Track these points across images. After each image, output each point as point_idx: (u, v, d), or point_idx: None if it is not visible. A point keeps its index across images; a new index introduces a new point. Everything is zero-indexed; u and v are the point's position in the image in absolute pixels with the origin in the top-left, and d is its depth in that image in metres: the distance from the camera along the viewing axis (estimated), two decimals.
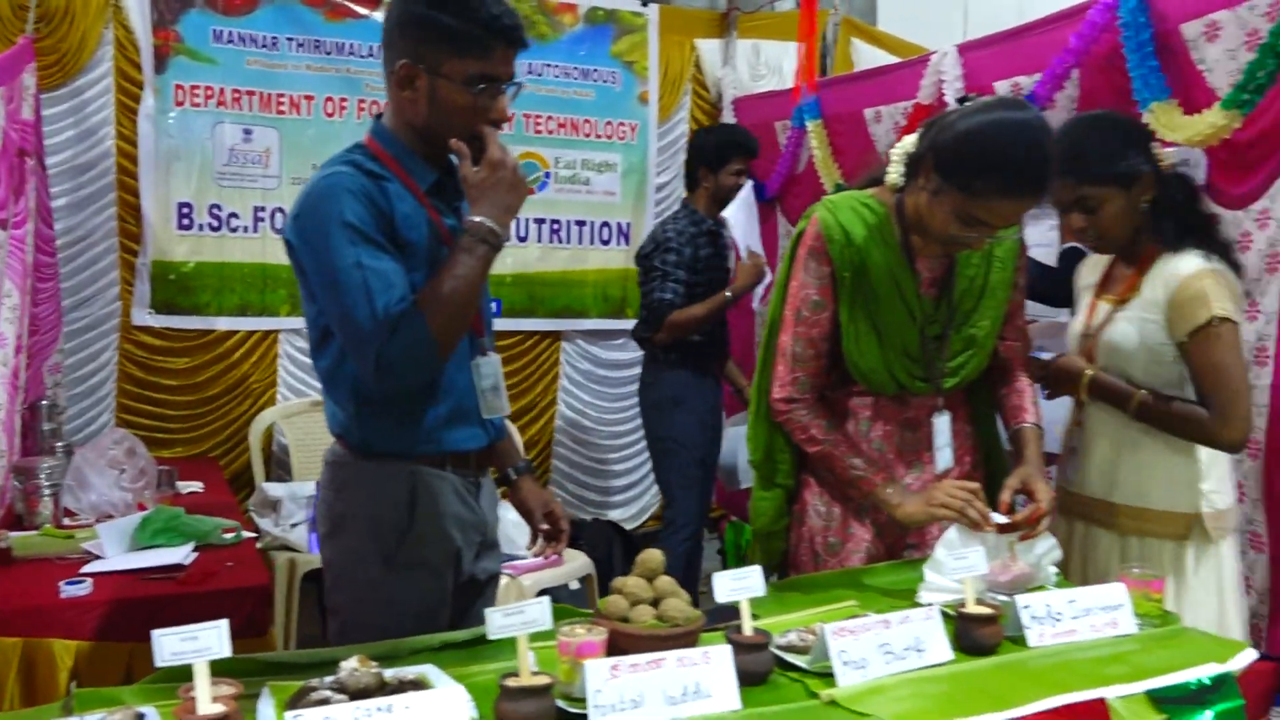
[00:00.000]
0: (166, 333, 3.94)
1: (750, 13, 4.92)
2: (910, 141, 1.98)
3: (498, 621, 1.37)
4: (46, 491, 2.65)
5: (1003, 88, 3.00)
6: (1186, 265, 2.02)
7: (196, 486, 3.23)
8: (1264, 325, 2.30)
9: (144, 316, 3.92)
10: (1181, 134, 2.34)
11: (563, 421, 4.59)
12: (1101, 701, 1.46)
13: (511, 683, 1.34)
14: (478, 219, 1.70)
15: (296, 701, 1.33)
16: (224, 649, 1.24)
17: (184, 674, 1.42)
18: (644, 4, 4.67)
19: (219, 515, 2.70)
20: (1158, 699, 1.50)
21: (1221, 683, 1.55)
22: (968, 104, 1.91)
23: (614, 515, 4.61)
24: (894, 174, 2.00)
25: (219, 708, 1.21)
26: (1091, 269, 2.29)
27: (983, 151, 1.81)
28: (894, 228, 2.01)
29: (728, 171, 3.66)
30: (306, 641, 3.25)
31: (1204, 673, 1.56)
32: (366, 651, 1.50)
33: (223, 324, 4.01)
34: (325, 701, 1.30)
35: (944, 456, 2.07)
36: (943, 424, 2.07)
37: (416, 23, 1.72)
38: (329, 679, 1.40)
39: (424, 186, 1.80)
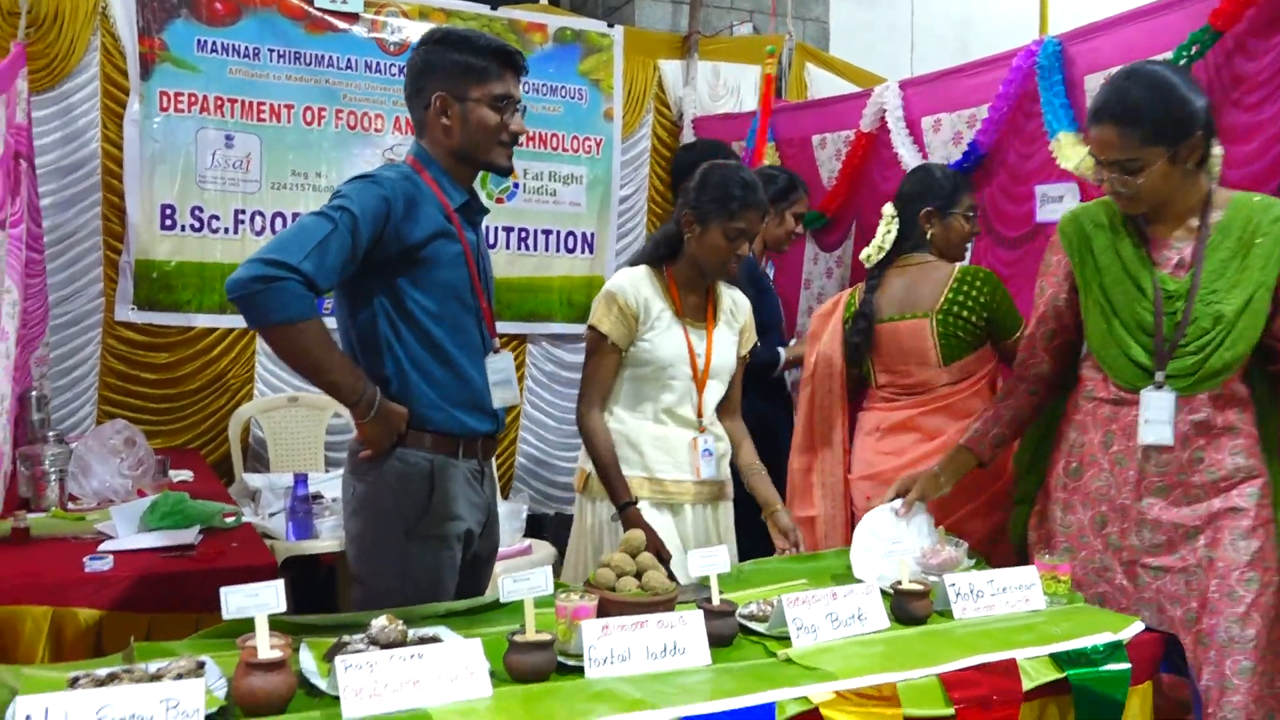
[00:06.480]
0: (148, 329, 4.09)
1: (710, 36, 5.19)
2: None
3: (509, 586, 1.60)
4: (53, 477, 2.82)
5: (932, 121, 3.33)
6: None
7: (187, 475, 3.40)
8: None
9: (127, 313, 4.07)
10: (1072, 162, 2.65)
11: (528, 420, 4.81)
12: (1013, 661, 1.74)
13: (519, 638, 1.57)
14: (367, 407, 1.96)
15: (334, 653, 1.55)
16: (281, 604, 1.45)
17: (226, 633, 1.66)
18: (610, 25, 4.91)
19: (214, 502, 2.88)
20: (1059, 660, 1.78)
21: (1113, 648, 1.84)
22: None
23: (575, 510, 4.83)
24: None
25: (277, 652, 1.42)
26: None
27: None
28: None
29: None
30: None
31: (1098, 640, 1.84)
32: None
33: (203, 321, 4.17)
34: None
35: (1149, 432, 2.07)
36: (1152, 398, 2.07)
37: (440, 64, 2.07)
38: (358, 635, 1.62)
39: (454, 205, 2.09)
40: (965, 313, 2.62)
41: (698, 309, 2.55)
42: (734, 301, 2.64)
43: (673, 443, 2.49)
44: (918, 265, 2.73)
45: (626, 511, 2.41)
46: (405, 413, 2.03)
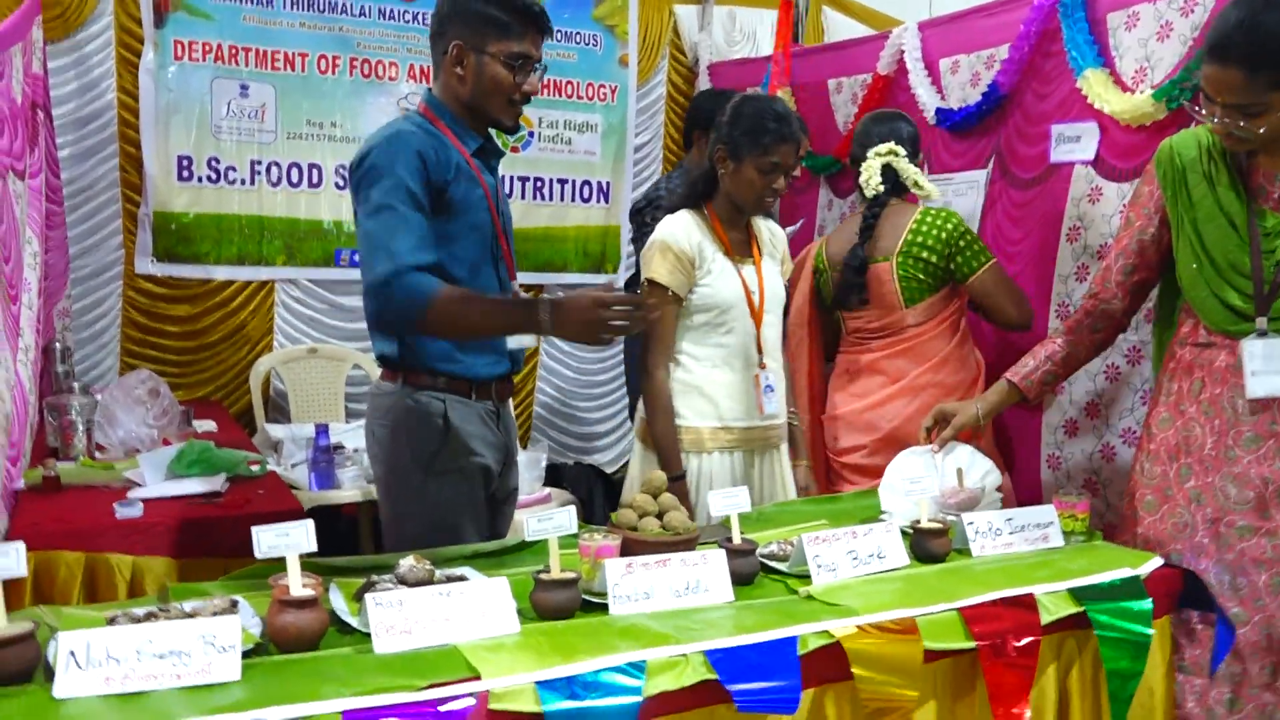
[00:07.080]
0: (168, 281, 4.11)
1: None
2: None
3: (534, 526, 1.63)
4: (80, 427, 2.86)
5: (950, 63, 3.29)
6: None
7: (210, 425, 3.44)
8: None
9: (146, 265, 4.08)
10: (1109, 105, 2.61)
11: (545, 370, 4.82)
12: (1030, 595, 1.76)
13: (545, 576, 1.60)
14: (548, 319, 1.87)
15: (363, 592, 1.58)
16: (311, 544, 1.48)
17: (257, 574, 1.69)
18: None
19: (239, 450, 2.91)
20: (1078, 595, 1.80)
21: (1131, 583, 1.86)
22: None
23: (593, 459, 4.87)
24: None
25: (309, 590, 1.45)
26: None
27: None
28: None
29: None
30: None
31: (1116, 575, 1.86)
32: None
33: (221, 273, 4.18)
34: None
35: (1259, 384, 1.92)
36: (1258, 346, 1.92)
37: (464, 11, 2.05)
38: (386, 575, 1.65)
39: (470, 150, 2.10)
40: (924, 253, 2.64)
41: (742, 245, 2.51)
42: (771, 231, 2.62)
43: (742, 388, 2.44)
44: (894, 207, 2.77)
45: (675, 485, 2.30)
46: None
